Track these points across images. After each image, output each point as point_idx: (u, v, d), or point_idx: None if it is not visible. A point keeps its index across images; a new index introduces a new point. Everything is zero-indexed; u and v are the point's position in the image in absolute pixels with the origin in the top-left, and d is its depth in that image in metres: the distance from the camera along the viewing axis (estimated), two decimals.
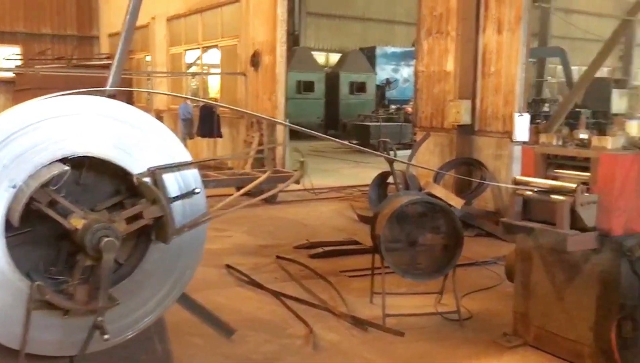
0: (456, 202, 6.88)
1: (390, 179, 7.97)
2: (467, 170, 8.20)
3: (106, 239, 2.49)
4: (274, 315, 4.95)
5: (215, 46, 15.24)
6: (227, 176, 9.04)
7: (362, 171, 13.27)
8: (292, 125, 3.67)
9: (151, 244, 2.80)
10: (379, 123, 19.44)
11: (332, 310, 4.96)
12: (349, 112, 22.97)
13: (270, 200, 9.25)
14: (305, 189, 10.04)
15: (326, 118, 23.57)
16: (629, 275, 3.71)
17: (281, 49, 12.12)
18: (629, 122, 4.23)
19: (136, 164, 2.71)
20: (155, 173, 2.70)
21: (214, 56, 16.03)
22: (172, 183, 2.78)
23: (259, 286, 5.58)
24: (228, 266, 6.18)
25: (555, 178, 3.98)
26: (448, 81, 8.90)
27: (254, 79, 12.92)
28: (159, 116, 13.88)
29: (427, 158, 8.95)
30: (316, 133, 3.51)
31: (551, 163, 4.11)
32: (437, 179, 7.95)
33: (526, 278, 4.32)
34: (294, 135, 13.51)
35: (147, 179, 2.68)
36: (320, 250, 6.83)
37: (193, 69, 17.12)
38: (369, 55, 25.24)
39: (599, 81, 15.64)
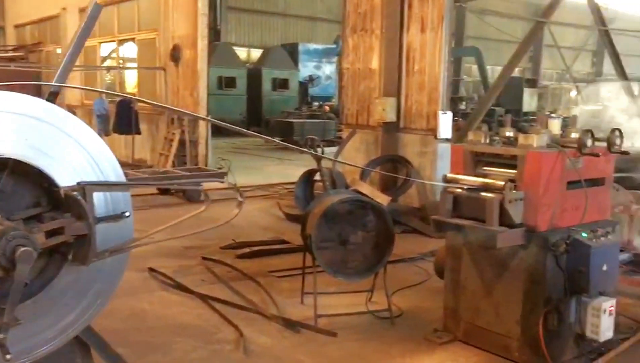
0: (382, 199, 6.87)
1: (317, 177, 7.92)
2: (393, 167, 8.29)
3: (23, 248, 2.26)
4: (202, 319, 4.78)
5: (132, 39, 14.68)
6: (148, 175, 8.69)
7: (287, 169, 13.19)
8: (215, 121, 3.50)
9: (65, 265, 2.56)
10: (302, 120, 19.45)
11: (262, 313, 4.85)
12: (272, 109, 22.84)
13: (193, 199, 8.99)
14: (229, 188, 9.82)
15: (249, 115, 23.30)
16: (554, 270, 3.82)
17: (202, 44, 11.85)
18: (551, 120, 4.37)
19: (64, 176, 2.47)
20: (86, 188, 2.47)
21: (131, 49, 15.44)
22: (100, 202, 2.53)
23: (185, 289, 5.38)
24: (151, 269, 5.92)
25: (484, 176, 4.05)
26: (373, 78, 8.96)
27: (174, 74, 12.55)
28: (71, 112, 13.20)
29: (353, 155, 8.97)
30: (242, 130, 3.37)
31: (479, 160, 4.18)
32: (363, 176, 7.98)
33: (456, 274, 4.38)
34: (216, 132, 13.24)
35: (75, 194, 2.45)
36: (247, 250, 6.69)
37: (108, 63, 16.43)
38: (291, 51, 25.19)
39: (511, 80, 16.29)
